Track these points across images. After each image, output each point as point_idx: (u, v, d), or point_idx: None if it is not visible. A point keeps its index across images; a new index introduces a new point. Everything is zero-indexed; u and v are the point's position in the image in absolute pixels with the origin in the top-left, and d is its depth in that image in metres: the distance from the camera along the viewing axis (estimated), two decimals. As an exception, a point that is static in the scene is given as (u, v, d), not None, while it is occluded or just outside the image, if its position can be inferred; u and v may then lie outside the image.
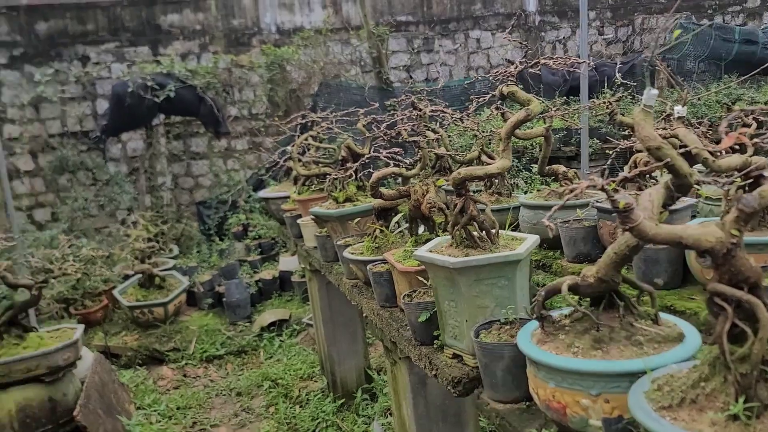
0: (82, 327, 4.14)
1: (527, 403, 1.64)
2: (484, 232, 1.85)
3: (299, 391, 4.66)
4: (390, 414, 3.98)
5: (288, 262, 6.83)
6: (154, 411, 4.60)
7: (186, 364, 5.52)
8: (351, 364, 4.41)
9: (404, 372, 2.59)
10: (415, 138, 3.22)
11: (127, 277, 6.35)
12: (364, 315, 2.91)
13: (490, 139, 3.36)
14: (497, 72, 1.81)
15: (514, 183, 4.20)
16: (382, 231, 2.82)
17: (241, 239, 7.62)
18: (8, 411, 3.66)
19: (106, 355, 5.09)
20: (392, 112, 4.18)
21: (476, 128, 2.85)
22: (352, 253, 2.88)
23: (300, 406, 4.46)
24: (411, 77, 9.95)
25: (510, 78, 1.74)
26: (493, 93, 1.85)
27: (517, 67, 1.76)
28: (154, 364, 5.57)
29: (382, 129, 3.02)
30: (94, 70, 8.80)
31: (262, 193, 5.15)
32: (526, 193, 3.71)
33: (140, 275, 6.12)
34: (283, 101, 8.36)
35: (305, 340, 5.64)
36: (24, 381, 3.71)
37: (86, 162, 8.03)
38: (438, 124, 3.63)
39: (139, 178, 8.32)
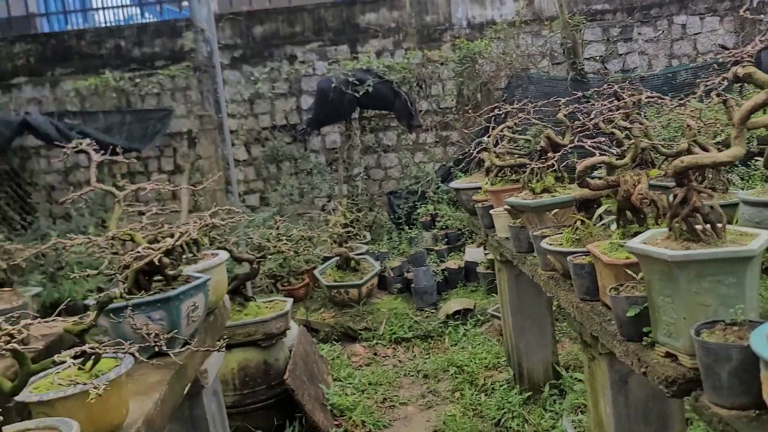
0: (291, 300, 4.58)
1: (757, 411, 1.52)
2: (708, 225, 1.75)
3: (484, 379, 4.72)
4: (581, 412, 3.89)
5: (473, 252, 6.90)
6: (349, 384, 4.94)
7: (377, 343, 5.85)
8: (538, 358, 4.36)
9: (604, 368, 2.53)
10: (617, 128, 3.10)
11: (326, 259, 6.86)
12: (561, 307, 2.88)
13: (699, 130, 3.13)
14: (730, 53, 1.70)
15: (729, 178, 3.85)
16: (583, 222, 2.76)
17: (428, 229, 7.85)
18: (231, 369, 4.18)
19: (307, 329, 5.57)
20: (589, 102, 4.05)
21: (691, 116, 2.67)
22: (551, 244, 2.86)
23: (485, 395, 4.51)
24: (606, 68, 9.48)
25: (747, 59, 1.63)
26: (724, 76, 1.74)
27: (756, 45, 1.63)
28: (348, 341, 5.97)
29: (586, 119, 2.95)
30: (301, 68, 9.58)
31: (454, 184, 5.27)
32: (743, 189, 3.39)
33: (338, 258, 6.58)
34: (473, 95, 8.43)
35: (490, 331, 5.68)
36: (244, 344, 4.20)
37: (293, 153, 8.79)
38: (642, 115, 3.45)
39: (338, 168, 8.92)
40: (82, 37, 9.78)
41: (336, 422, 4.34)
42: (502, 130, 4.09)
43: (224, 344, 2.37)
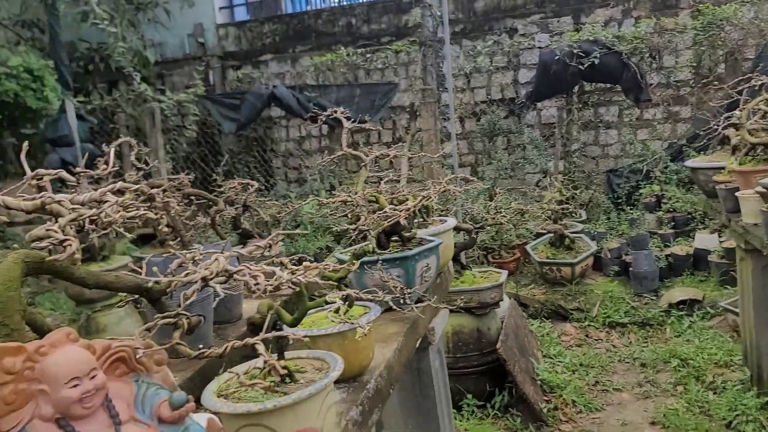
0: (506, 273, 4.62)
1: None
2: None
3: (713, 377, 4.34)
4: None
5: (705, 239, 6.31)
6: (559, 362, 4.87)
7: (588, 325, 5.66)
8: (783, 361, 3.90)
9: None
10: None
11: (538, 235, 6.77)
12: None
13: None
14: None
15: None
16: None
17: (652, 210, 7.33)
18: (446, 332, 4.36)
19: (517, 303, 5.58)
20: None
21: None
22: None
23: (714, 393, 4.16)
24: None
25: None
26: None
27: None
28: (558, 320, 5.86)
29: None
30: (521, 42, 9.42)
31: (690, 163, 4.85)
32: None
33: (551, 234, 6.45)
34: (714, 66, 7.60)
35: (721, 326, 5.18)
36: (459, 310, 4.35)
37: (510, 127, 8.74)
38: None
39: (555, 143, 8.67)
40: (319, 16, 10.64)
41: (546, 398, 4.32)
42: (757, 104, 3.66)
43: (460, 304, 2.49)
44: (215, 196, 3.39)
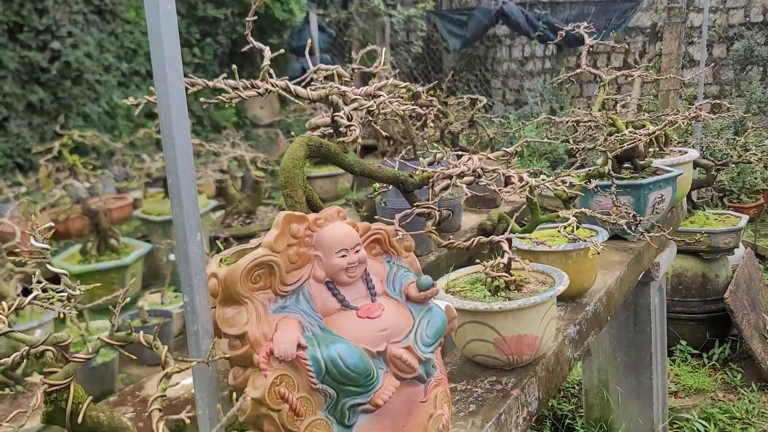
0: (746, 217, 4.16)
1: None
2: None
3: None
4: None
5: None
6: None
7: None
8: None
9: None
10: None
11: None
12: None
13: None
14: None
15: None
16: None
17: None
18: (666, 273, 4.09)
19: (754, 254, 5.01)
20: None
21: None
22: None
23: None
24: None
25: None
26: None
27: None
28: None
29: None
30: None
31: None
32: None
33: (808, 182, 5.60)
34: None
35: None
36: (684, 252, 4.04)
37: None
38: None
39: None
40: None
41: (775, 359, 3.91)
42: None
43: (700, 238, 2.32)
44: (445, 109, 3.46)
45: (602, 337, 2.85)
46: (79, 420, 0.65)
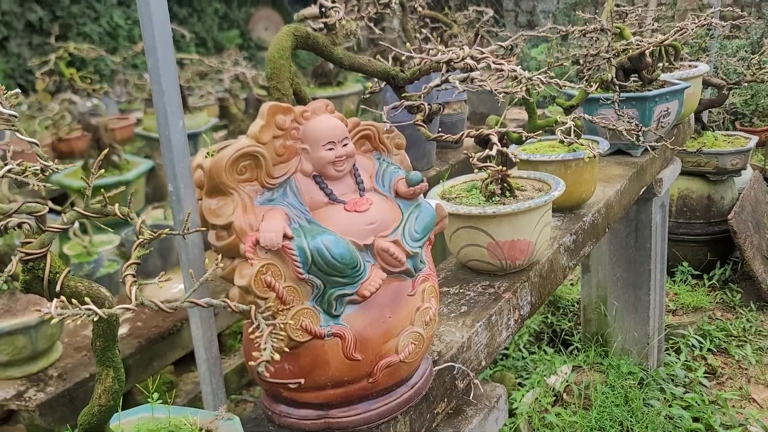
0: (756, 138, 4.09)
1: None
2: None
3: None
4: None
5: None
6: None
7: None
8: None
9: None
10: None
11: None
12: None
13: None
14: None
15: None
16: None
17: None
18: (671, 194, 4.07)
19: (763, 178, 4.96)
20: None
21: None
22: None
23: None
24: None
25: None
26: None
27: None
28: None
29: None
30: None
31: None
32: None
33: (824, 105, 5.46)
34: None
35: None
36: (690, 173, 4.00)
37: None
38: None
39: None
40: None
41: (775, 280, 3.94)
42: None
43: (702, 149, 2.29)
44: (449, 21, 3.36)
45: (602, 253, 2.87)
46: (57, 288, 0.66)
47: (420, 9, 2.77)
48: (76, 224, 2.41)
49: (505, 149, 1.04)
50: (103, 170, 0.82)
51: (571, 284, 3.86)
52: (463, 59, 1.00)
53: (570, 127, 1.38)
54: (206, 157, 1.04)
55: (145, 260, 2.77)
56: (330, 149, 1.04)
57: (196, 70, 4.67)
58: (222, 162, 0.96)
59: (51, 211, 1.41)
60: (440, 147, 2.84)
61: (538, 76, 1.09)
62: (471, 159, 1.03)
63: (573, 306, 3.60)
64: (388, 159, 1.17)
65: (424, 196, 1.18)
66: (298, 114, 1.04)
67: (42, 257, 0.65)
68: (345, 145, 1.06)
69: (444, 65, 1.02)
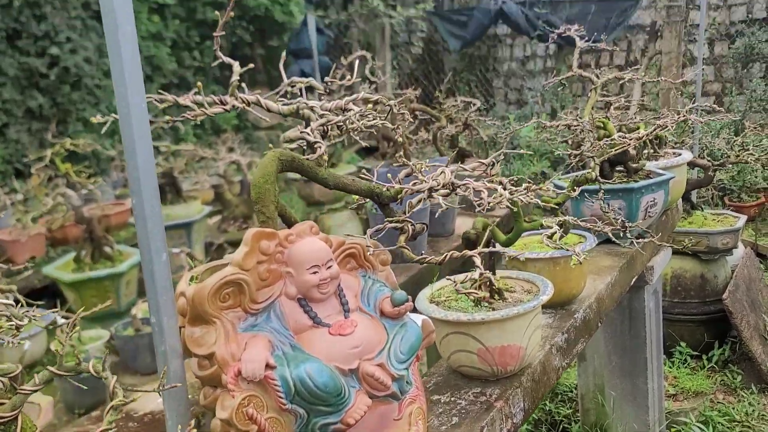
0: (744, 218, 4.13)
1: None
2: None
3: None
4: None
5: None
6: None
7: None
8: None
9: None
10: None
11: (793, 179, 5.87)
12: None
13: None
14: None
15: None
16: None
17: None
18: (664, 274, 4.07)
19: (755, 254, 4.98)
20: None
21: None
22: None
23: None
24: None
25: None
26: None
27: None
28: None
29: None
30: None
31: None
32: None
33: (810, 180, 5.56)
34: None
35: None
36: (682, 252, 4.01)
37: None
38: None
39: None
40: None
41: (775, 360, 3.88)
42: None
43: (688, 244, 2.31)
44: (437, 113, 3.46)
45: (597, 341, 2.84)
46: (28, 452, 0.64)
47: (410, 103, 2.86)
48: (61, 320, 2.38)
49: (480, 269, 1.04)
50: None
51: (569, 368, 3.79)
52: (444, 186, 1.03)
53: (554, 232, 1.40)
54: (190, 283, 1.05)
55: (134, 357, 2.71)
56: (314, 272, 1.04)
57: (191, 155, 4.75)
58: (205, 291, 0.96)
59: (39, 306, 1.39)
60: (432, 235, 2.86)
61: (519, 197, 1.11)
62: (454, 285, 1.03)
63: (571, 392, 3.52)
64: (373, 276, 1.17)
65: (413, 307, 1.17)
66: (283, 238, 1.05)
67: (13, 420, 0.64)
68: (329, 267, 1.06)
69: (426, 192, 1.04)
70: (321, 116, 1.00)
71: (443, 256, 1.05)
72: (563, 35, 2.61)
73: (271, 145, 1.16)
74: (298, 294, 1.05)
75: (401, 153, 2.93)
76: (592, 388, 2.88)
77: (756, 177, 5.93)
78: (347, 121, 1.03)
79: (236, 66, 1.05)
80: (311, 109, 1.03)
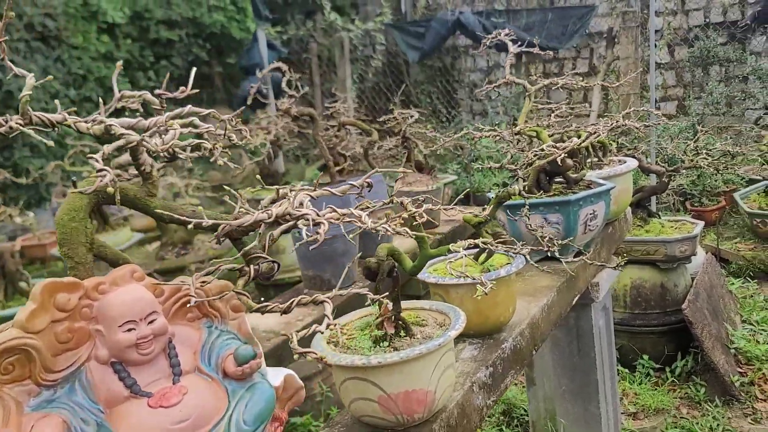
0: (701, 224, 4.02)
1: None
2: None
3: None
4: None
5: None
6: (762, 330, 4.20)
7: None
8: None
9: None
10: None
11: (751, 181, 5.82)
12: None
13: None
14: None
15: None
16: None
17: None
18: (623, 285, 3.94)
19: (716, 259, 4.88)
20: None
21: None
22: None
23: None
24: None
25: None
26: None
27: None
28: (766, 280, 5.05)
29: None
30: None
31: None
32: None
33: (769, 182, 5.50)
34: None
35: None
36: (641, 262, 3.88)
37: (728, 55, 7.51)
38: None
39: (786, 73, 7.30)
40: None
41: (740, 370, 3.76)
42: None
43: (621, 263, 2.16)
44: (387, 127, 3.30)
45: (545, 363, 2.67)
46: None
47: (340, 117, 2.69)
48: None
49: (330, 319, 0.86)
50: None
51: (524, 388, 3.62)
52: (277, 218, 0.84)
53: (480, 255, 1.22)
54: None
55: None
56: (129, 329, 0.85)
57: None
58: (-28, 364, 0.76)
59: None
60: (365, 257, 2.68)
61: (405, 228, 0.94)
62: (335, 326, 0.85)
63: (527, 415, 3.34)
64: (221, 326, 0.98)
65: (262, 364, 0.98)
66: (91, 288, 0.86)
67: None
68: (151, 321, 0.87)
69: (262, 225, 0.86)
70: (120, 136, 0.82)
71: (288, 303, 0.86)
72: (524, 44, 2.47)
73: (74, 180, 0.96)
74: (112, 357, 0.86)
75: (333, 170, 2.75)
76: (543, 414, 2.71)
77: (716, 181, 5.88)
78: (162, 142, 0.84)
79: (30, 78, 0.86)
80: (131, 126, 0.84)
